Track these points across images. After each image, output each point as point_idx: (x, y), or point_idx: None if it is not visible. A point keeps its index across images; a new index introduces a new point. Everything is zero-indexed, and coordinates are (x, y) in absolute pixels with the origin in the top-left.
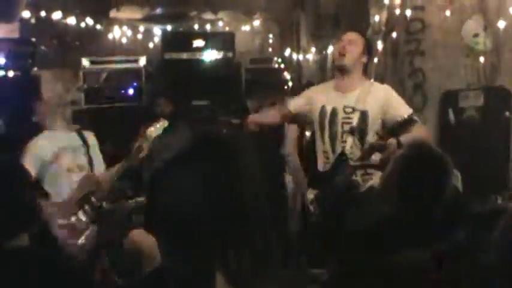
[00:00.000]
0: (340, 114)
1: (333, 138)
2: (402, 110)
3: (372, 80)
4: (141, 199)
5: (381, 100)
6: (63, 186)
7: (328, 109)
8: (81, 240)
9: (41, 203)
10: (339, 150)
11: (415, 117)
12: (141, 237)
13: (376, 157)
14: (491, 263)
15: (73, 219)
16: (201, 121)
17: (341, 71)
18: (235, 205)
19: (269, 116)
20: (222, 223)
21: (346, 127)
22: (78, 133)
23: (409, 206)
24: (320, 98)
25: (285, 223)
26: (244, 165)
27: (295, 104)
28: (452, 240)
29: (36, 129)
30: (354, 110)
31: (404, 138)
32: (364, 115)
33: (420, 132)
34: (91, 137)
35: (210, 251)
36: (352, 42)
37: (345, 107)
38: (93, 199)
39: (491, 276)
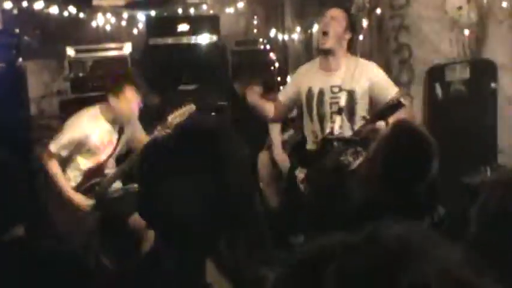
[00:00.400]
0: (328, 95)
1: (321, 119)
2: (390, 89)
3: (358, 57)
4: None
5: (368, 78)
6: (81, 165)
7: (315, 90)
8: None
9: (57, 180)
10: (328, 129)
11: (403, 100)
12: (141, 222)
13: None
14: (470, 236)
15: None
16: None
17: (325, 53)
18: (225, 200)
19: (266, 107)
20: (211, 219)
21: (335, 107)
22: None
23: (392, 187)
24: (306, 79)
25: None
26: (230, 156)
27: (285, 93)
28: (435, 216)
29: (23, 123)
30: (340, 89)
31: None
32: (351, 94)
33: (407, 115)
34: None
35: (201, 243)
36: (335, 19)
37: (331, 87)
38: (97, 186)
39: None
